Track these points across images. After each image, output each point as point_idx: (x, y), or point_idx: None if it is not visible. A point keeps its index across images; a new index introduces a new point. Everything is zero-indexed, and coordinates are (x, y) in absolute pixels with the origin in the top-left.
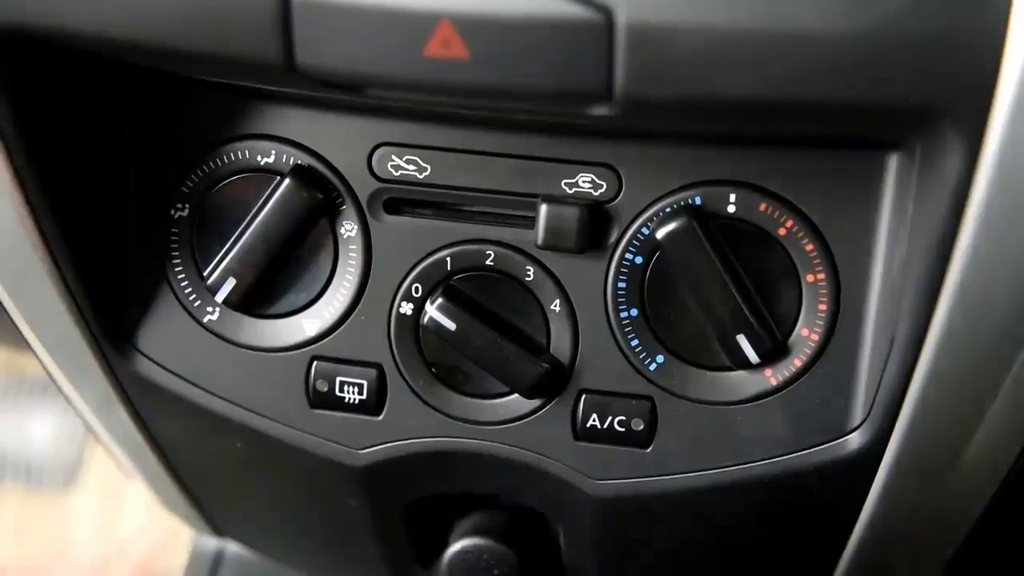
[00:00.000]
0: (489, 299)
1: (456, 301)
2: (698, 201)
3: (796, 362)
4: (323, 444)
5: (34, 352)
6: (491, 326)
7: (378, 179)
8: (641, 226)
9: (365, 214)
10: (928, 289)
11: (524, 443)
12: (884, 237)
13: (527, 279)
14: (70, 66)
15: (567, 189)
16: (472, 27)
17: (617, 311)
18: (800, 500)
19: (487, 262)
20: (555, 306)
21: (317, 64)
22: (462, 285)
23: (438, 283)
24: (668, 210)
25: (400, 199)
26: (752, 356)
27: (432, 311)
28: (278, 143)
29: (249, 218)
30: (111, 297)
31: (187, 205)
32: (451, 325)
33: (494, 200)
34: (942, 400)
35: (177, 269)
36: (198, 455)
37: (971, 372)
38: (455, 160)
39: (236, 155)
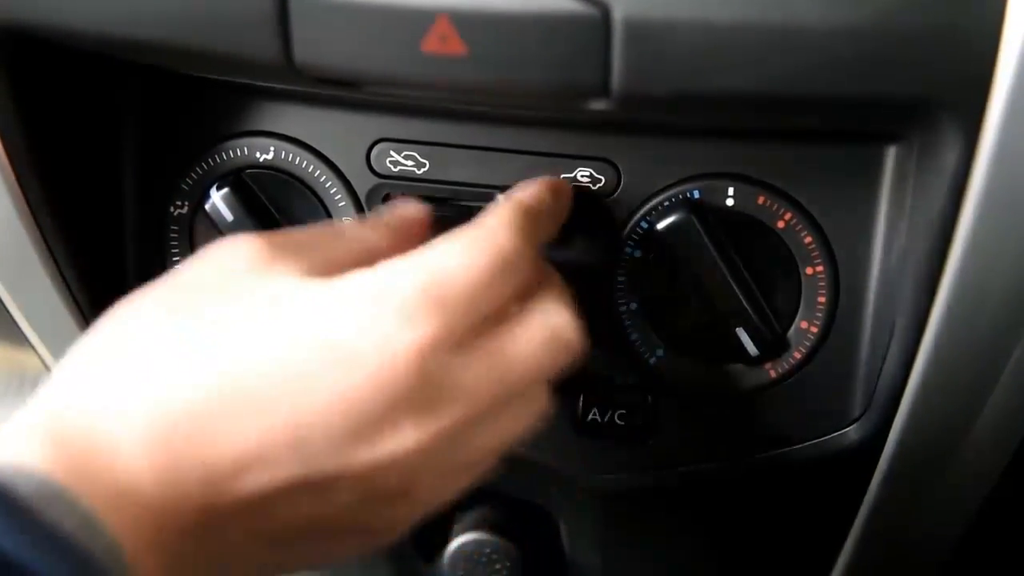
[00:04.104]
0: None
1: None
2: (696, 194)
3: (795, 355)
4: None
5: (34, 349)
6: None
7: (377, 175)
8: (640, 220)
9: (364, 210)
10: (927, 280)
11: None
12: (882, 229)
13: None
14: (69, 64)
15: None
16: (470, 23)
17: (616, 305)
18: (800, 492)
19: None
20: None
21: (315, 61)
22: None
23: None
24: (667, 203)
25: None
26: (751, 349)
27: None
28: (277, 140)
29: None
30: (111, 294)
31: (186, 202)
32: None
33: (493, 195)
34: (941, 391)
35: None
36: None
37: (970, 363)
38: (453, 155)
39: (235, 152)
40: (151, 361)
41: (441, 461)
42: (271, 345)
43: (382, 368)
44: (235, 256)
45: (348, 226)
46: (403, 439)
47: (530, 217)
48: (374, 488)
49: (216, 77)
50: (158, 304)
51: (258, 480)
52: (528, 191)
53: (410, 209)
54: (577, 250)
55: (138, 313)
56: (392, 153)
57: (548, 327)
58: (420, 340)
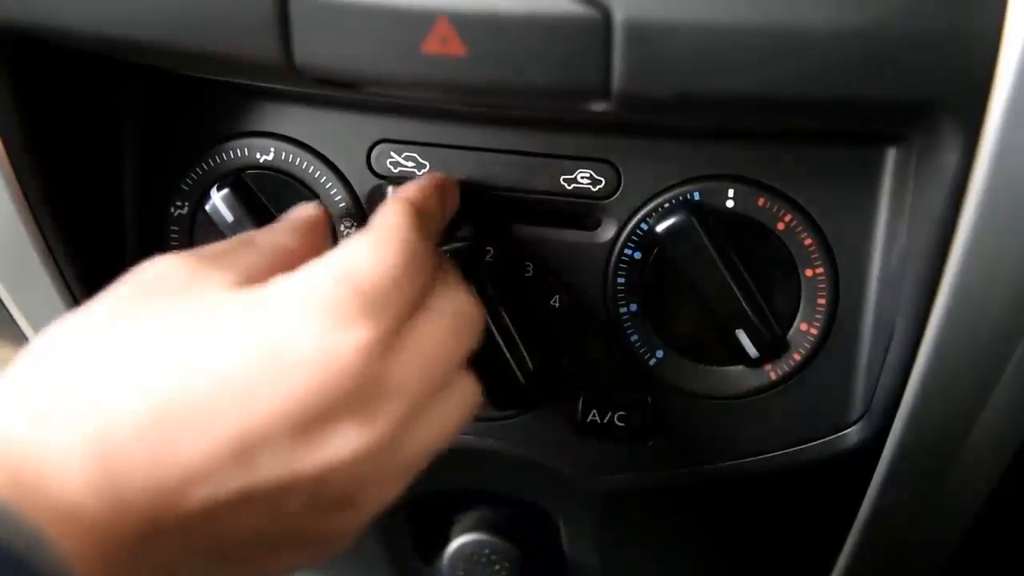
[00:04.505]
0: (488, 295)
1: None
2: (697, 196)
3: (795, 357)
4: None
5: None
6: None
7: (377, 175)
8: (640, 221)
9: (364, 211)
10: (927, 282)
11: (525, 439)
12: (882, 231)
13: (527, 275)
14: (69, 64)
15: (566, 185)
16: (470, 24)
17: (617, 306)
18: (799, 494)
19: (486, 259)
20: (555, 302)
21: (316, 62)
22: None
23: None
24: (667, 205)
25: None
26: (751, 351)
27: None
28: (277, 140)
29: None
30: None
31: (186, 203)
32: None
33: (492, 196)
34: (941, 393)
35: None
36: None
37: (970, 365)
38: (454, 156)
39: (235, 153)
40: (89, 377)
41: (385, 462)
42: (208, 357)
43: (323, 372)
44: (163, 272)
45: (258, 233)
46: (347, 442)
47: (423, 215)
48: (322, 496)
49: (216, 78)
50: (94, 321)
51: (204, 494)
52: (417, 190)
53: (310, 210)
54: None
55: (75, 331)
56: (392, 154)
57: (453, 311)
58: (357, 342)
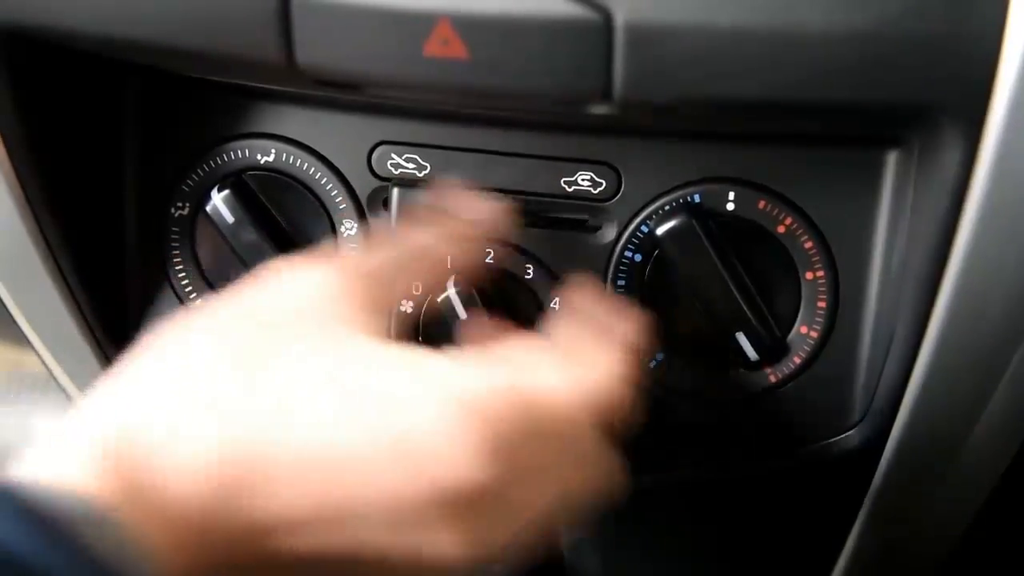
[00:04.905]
0: (488, 297)
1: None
2: (697, 199)
3: (795, 359)
4: None
5: (34, 350)
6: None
7: (378, 177)
8: (640, 224)
9: (365, 213)
10: (927, 285)
11: None
12: (883, 234)
13: (527, 277)
14: (70, 64)
15: (566, 187)
16: (471, 26)
17: None
18: (800, 496)
19: (486, 260)
20: (555, 304)
21: (317, 63)
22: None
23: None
24: (667, 208)
25: None
26: (751, 354)
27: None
28: (278, 142)
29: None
30: (111, 295)
31: (187, 204)
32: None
33: (493, 199)
34: (941, 396)
35: (178, 267)
36: None
37: (970, 367)
38: (455, 158)
39: (236, 154)
40: (219, 397)
41: None
42: (341, 418)
43: (450, 480)
44: (311, 294)
45: (418, 241)
46: (440, 549)
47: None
48: (391, 571)
49: (217, 79)
50: (227, 334)
51: (289, 544)
52: (597, 303)
53: (426, 238)
54: None
55: (205, 339)
56: (393, 156)
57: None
58: (497, 473)
